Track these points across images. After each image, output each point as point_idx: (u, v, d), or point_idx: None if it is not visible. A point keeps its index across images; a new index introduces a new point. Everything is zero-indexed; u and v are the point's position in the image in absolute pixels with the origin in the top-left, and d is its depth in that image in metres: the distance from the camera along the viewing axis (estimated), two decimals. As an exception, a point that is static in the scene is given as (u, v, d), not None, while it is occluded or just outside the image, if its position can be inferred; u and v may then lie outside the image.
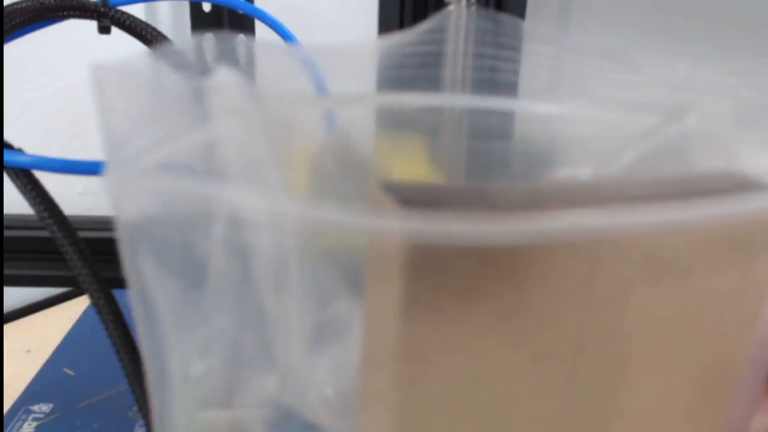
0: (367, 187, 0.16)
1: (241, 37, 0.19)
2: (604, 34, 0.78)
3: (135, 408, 0.41)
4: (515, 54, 0.22)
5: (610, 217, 0.12)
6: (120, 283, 0.39)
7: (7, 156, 0.26)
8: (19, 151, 0.27)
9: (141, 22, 0.37)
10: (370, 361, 0.14)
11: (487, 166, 0.22)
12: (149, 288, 0.16)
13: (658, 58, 0.21)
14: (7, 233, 0.38)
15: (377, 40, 0.26)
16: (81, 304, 0.61)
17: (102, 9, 0.36)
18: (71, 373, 0.45)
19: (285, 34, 0.38)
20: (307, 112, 0.22)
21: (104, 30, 0.36)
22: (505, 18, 0.25)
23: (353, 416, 0.16)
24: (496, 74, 0.23)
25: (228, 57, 0.19)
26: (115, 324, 0.27)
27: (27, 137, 0.64)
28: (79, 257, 0.26)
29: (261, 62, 0.20)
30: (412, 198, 0.12)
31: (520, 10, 0.26)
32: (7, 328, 0.62)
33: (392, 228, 0.12)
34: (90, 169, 0.26)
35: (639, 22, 0.74)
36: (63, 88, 0.66)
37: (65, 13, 0.35)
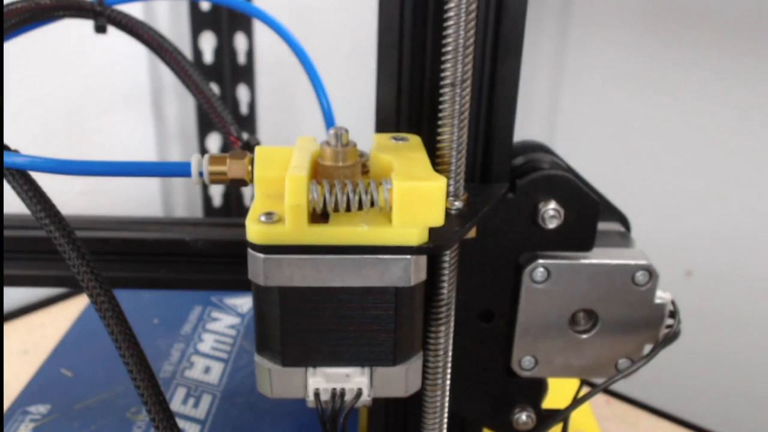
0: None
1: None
2: (604, 37, 0.78)
3: (133, 409, 0.41)
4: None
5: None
6: (118, 282, 0.39)
7: (4, 158, 0.26)
8: (15, 152, 0.27)
9: (138, 21, 0.37)
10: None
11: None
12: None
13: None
14: (5, 233, 0.38)
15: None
16: (79, 304, 0.61)
17: (98, 8, 0.35)
18: (69, 374, 0.44)
19: (284, 34, 0.38)
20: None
21: (100, 29, 0.36)
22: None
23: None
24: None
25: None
26: (115, 321, 0.26)
27: (24, 136, 0.63)
28: (78, 255, 0.26)
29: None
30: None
31: (520, 12, 0.26)
32: (5, 328, 0.62)
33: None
34: (87, 169, 0.26)
35: (640, 24, 0.74)
36: (60, 87, 0.66)
37: (61, 12, 0.34)
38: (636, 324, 0.30)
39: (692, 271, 0.75)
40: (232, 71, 0.74)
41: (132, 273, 0.37)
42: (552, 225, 0.28)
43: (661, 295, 0.30)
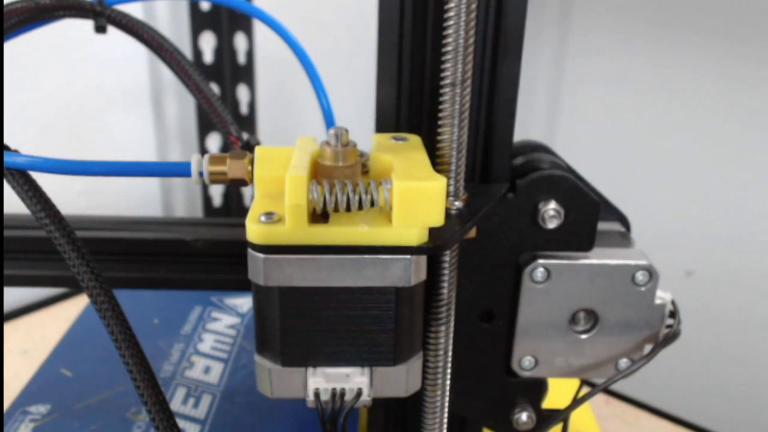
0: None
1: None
2: (604, 38, 0.78)
3: (133, 409, 0.41)
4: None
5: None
6: (118, 282, 0.39)
7: (4, 158, 0.26)
8: (15, 152, 0.27)
9: (138, 21, 0.36)
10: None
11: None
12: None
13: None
14: (5, 233, 0.38)
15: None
16: (79, 304, 0.61)
17: (98, 8, 0.35)
18: (69, 373, 0.44)
19: (283, 34, 0.38)
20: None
21: (100, 29, 0.36)
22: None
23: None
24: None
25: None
26: (115, 321, 0.26)
27: (24, 136, 0.63)
28: (78, 255, 0.26)
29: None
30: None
31: (520, 12, 0.26)
32: (5, 328, 0.62)
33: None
34: (87, 169, 0.26)
35: (641, 26, 0.74)
36: (60, 87, 0.66)
37: (61, 12, 0.34)
38: (636, 324, 0.30)
39: (692, 271, 0.75)
40: (232, 71, 0.74)
41: (132, 273, 0.37)
42: (552, 225, 0.28)
43: (661, 295, 0.30)
